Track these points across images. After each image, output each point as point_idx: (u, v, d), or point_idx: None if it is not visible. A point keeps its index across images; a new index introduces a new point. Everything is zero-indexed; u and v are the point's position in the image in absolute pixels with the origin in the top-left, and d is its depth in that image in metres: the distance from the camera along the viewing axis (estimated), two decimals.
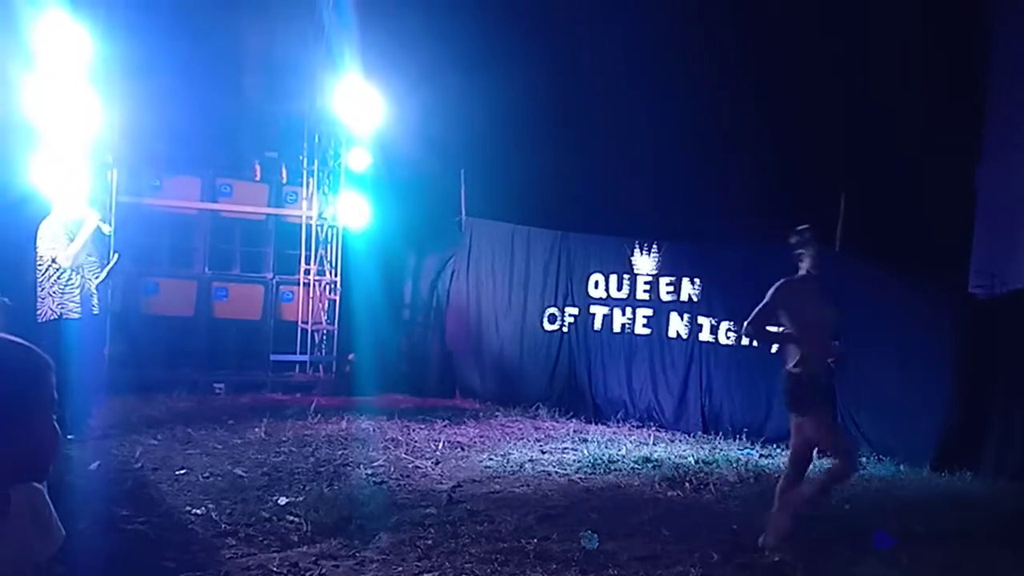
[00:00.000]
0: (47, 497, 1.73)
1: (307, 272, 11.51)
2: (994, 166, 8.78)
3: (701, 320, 9.71)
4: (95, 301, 7.18)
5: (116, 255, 7.50)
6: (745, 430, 9.06)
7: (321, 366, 11.62)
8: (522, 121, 10.99)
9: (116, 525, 4.88)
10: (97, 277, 7.19)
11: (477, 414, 9.84)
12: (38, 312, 6.84)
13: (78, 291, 6.98)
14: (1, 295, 6.44)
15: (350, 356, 11.60)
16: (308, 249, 11.53)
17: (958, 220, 8.83)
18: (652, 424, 9.69)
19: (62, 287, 6.90)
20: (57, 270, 6.88)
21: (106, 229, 7.36)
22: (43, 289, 6.86)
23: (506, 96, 10.51)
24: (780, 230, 9.28)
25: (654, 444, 8.62)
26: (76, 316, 6.94)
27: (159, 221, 10.75)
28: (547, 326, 10.76)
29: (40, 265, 6.87)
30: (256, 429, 7.93)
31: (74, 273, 6.96)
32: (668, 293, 9.90)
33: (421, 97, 10.96)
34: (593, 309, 10.41)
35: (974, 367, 8.10)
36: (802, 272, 5.14)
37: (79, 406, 6.80)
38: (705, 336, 9.68)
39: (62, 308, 6.88)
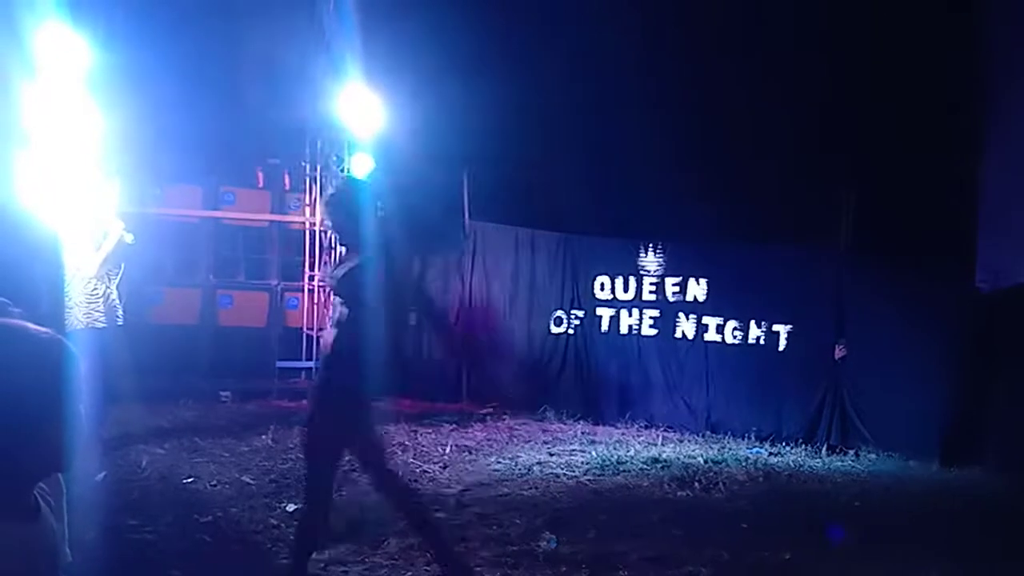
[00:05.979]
0: (60, 481, 1.70)
1: (311, 278, 11.49)
2: (999, 160, 8.75)
3: (707, 320, 9.68)
4: (120, 312, 7.19)
5: (122, 264, 7.52)
6: (754, 429, 9.04)
7: None
8: (525, 124, 10.95)
9: (123, 535, 4.87)
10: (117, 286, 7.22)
11: (484, 417, 9.81)
12: (66, 322, 6.84)
13: (102, 301, 6.99)
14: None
15: None
16: (312, 255, 11.51)
17: (963, 215, 8.81)
18: (660, 425, 9.65)
19: (88, 296, 6.91)
20: (84, 280, 6.89)
21: (129, 239, 7.35)
22: (71, 299, 6.86)
23: (509, 99, 10.48)
24: (785, 229, 9.32)
25: (662, 445, 8.59)
26: (102, 326, 6.96)
27: (162, 230, 10.73)
28: (554, 328, 10.72)
29: (67, 275, 6.86)
30: (263, 436, 7.92)
31: (99, 283, 6.98)
32: (674, 294, 9.87)
33: (423, 101, 10.91)
34: (599, 311, 10.38)
35: (980, 361, 8.08)
36: None
37: (94, 416, 6.79)
38: (712, 336, 9.65)
39: (88, 318, 6.89)
